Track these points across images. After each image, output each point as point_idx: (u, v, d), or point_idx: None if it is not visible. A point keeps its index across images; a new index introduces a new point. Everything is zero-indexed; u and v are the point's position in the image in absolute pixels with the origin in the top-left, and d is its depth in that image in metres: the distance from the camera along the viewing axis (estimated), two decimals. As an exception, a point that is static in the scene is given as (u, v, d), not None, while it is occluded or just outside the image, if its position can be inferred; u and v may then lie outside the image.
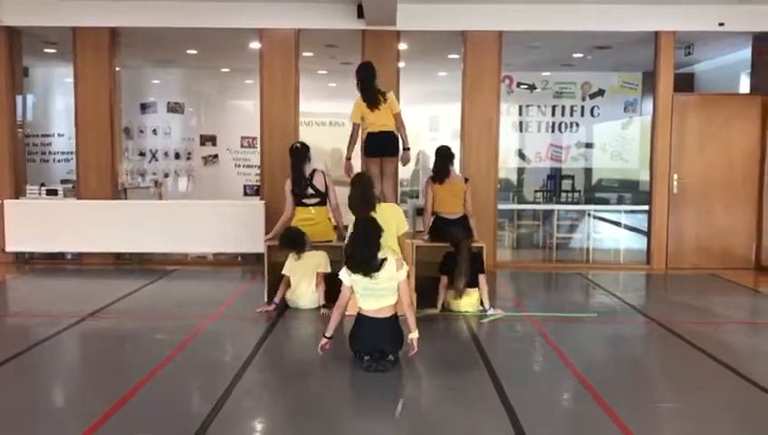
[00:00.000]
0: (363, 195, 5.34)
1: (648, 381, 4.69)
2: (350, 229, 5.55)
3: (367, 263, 4.53)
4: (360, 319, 4.68)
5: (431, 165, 7.05)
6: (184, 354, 4.88)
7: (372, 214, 5.10)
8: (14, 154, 8.66)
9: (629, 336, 5.79)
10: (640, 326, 6.02)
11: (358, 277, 4.58)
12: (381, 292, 4.60)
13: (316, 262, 6.21)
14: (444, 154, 6.87)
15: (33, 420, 3.78)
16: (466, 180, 6.92)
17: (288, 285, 6.25)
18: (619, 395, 4.15)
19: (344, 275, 4.67)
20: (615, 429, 3.61)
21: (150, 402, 3.96)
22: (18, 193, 8.64)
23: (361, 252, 4.56)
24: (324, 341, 4.70)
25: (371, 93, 6.66)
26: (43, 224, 8.45)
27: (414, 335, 4.66)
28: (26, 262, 8.62)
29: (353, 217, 5.10)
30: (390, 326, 4.64)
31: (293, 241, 6.22)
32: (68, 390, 4.46)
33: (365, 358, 4.54)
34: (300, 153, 6.60)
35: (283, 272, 6.27)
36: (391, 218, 5.69)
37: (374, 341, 4.59)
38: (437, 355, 4.95)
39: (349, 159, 6.88)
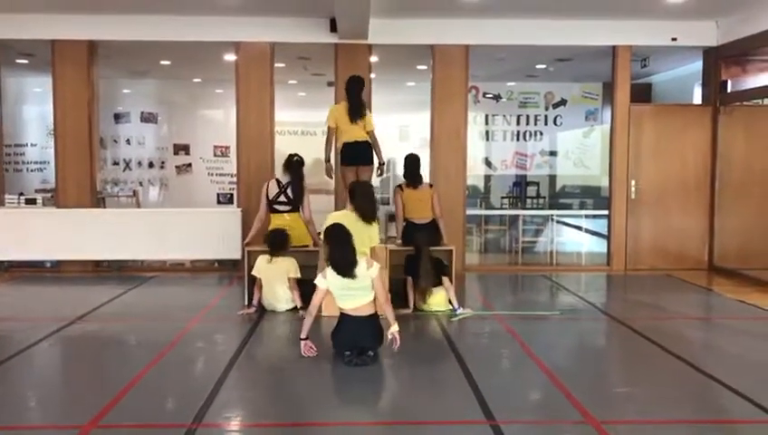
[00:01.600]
0: (370, 201, 6.02)
1: (605, 369, 5.13)
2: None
3: (348, 263, 4.87)
4: (342, 318, 5.00)
5: (400, 172, 7.43)
6: (174, 352, 5.17)
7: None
8: (-6, 164, 8.83)
9: (589, 331, 6.21)
10: (600, 322, 6.44)
11: (335, 280, 4.90)
12: (357, 291, 4.93)
13: (286, 267, 6.48)
14: (414, 161, 7.26)
15: (37, 415, 4.06)
16: (431, 186, 7.30)
17: (261, 287, 6.53)
18: (578, 381, 4.54)
19: (320, 280, 4.99)
20: (573, 409, 4.00)
21: (145, 397, 4.24)
22: (-3, 202, 8.81)
23: (342, 255, 4.91)
24: (303, 343, 5.02)
25: (356, 107, 7.06)
26: (22, 232, 8.60)
27: (394, 328, 4.99)
28: (5, 270, 8.76)
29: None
30: (371, 324, 4.97)
31: (278, 242, 6.50)
32: (65, 387, 4.71)
33: (346, 353, 4.86)
34: (297, 166, 6.95)
35: (252, 273, 6.55)
36: (365, 230, 6.02)
37: (355, 338, 4.91)
38: (412, 350, 5.28)
39: (328, 160, 7.27)
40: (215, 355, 5.28)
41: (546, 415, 4.03)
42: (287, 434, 3.74)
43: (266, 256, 6.53)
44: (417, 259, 6.51)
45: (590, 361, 5.36)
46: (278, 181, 7.00)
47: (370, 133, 7.17)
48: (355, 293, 4.93)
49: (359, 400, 4.40)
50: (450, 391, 4.42)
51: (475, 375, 4.62)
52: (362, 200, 5.99)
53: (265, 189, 6.97)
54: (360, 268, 4.93)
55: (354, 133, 7.04)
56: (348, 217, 5.80)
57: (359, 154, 7.08)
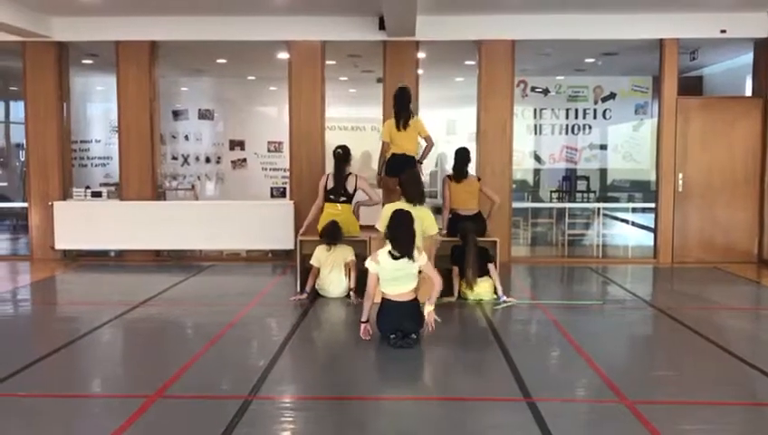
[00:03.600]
0: (417, 184, 6.23)
1: (643, 355, 5.29)
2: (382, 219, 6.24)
3: (410, 243, 5.18)
4: (384, 303, 5.28)
5: (448, 166, 7.65)
6: (231, 333, 5.53)
7: (414, 206, 5.91)
8: (63, 159, 9.36)
9: (631, 320, 6.32)
10: (641, 312, 6.55)
11: (387, 263, 5.17)
12: (403, 278, 5.20)
13: (344, 254, 6.84)
14: (463, 155, 7.51)
15: (108, 386, 4.45)
16: (479, 179, 7.53)
17: (316, 276, 6.87)
18: (616, 366, 4.71)
19: (370, 263, 5.28)
20: (608, 390, 4.18)
21: (206, 372, 4.60)
22: (66, 195, 9.33)
23: (405, 236, 5.20)
24: (363, 326, 5.32)
25: (402, 117, 7.25)
26: (88, 224, 9.13)
27: (429, 308, 5.23)
28: (73, 259, 9.30)
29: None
30: (411, 309, 5.23)
31: (331, 233, 6.85)
32: (131, 362, 5.11)
33: (391, 336, 5.12)
34: (341, 157, 7.25)
35: (311, 263, 6.90)
36: (423, 219, 6.24)
37: (397, 321, 5.17)
38: (455, 335, 5.55)
39: (380, 174, 7.49)
40: (269, 336, 5.61)
41: (582, 395, 4.23)
42: (336, 407, 4.02)
43: (325, 246, 6.86)
44: (464, 249, 6.73)
45: (628, 347, 5.51)
46: (334, 177, 7.30)
47: (428, 138, 7.37)
48: (401, 278, 5.20)
49: (403, 378, 4.67)
50: (491, 372, 4.65)
51: (515, 358, 4.82)
52: (407, 184, 6.26)
53: (324, 181, 7.29)
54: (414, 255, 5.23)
55: (404, 146, 7.26)
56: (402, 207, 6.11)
57: (404, 166, 7.28)
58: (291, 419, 3.80)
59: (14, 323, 6.26)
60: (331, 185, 7.25)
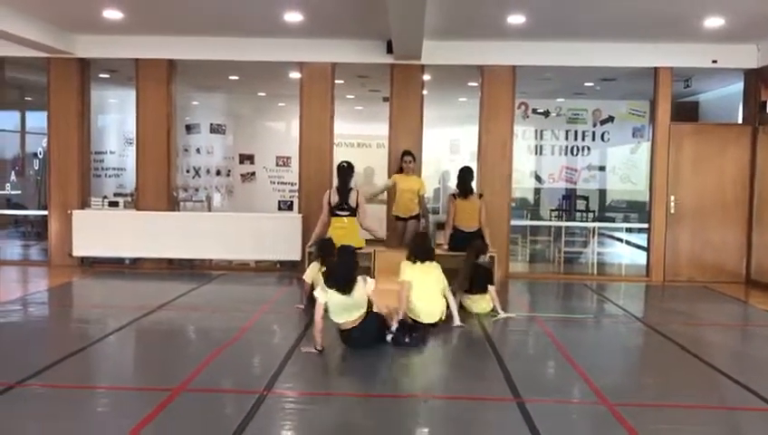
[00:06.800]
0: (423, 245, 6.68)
1: (629, 364, 5.70)
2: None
3: (346, 282, 5.44)
4: (344, 333, 5.56)
5: (450, 184, 8.11)
6: (243, 337, 5.93)
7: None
8: (82, 169, 9.80)
9: (618, 332, 6.71)
10: (629, 325, 6.93)
11: (334, 296, 5.44)
12: (352, 307, 5.48)
13: None
14: (467, 174, 8.03)
15: (134, 380, 4.84)
16: (481, 196, 7.98)
17: (309, 291, 7.13)
18: (600, 372, 5.08)
19: (320, 293, 5.50)
20: (591, 393, 4.58)
21: (223, 369, 5.01)
22: (84, 204, 9.77)
23: (344, 276, 5.49)
24: (315, 352, 5.43)
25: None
26: (105, 232, 9.57)
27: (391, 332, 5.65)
28: (90, 265, 9.71)
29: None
30: (369, 325, 5.52)
31: (325, 250, 7.17)
32: (154, 360, 5.47)
33: (388, 338, 5.56)
34: (346, 171, 7.72)
35: (304, 277, 7.20)
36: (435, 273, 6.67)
37: (362, 341, 5.51)
38: (454, 343, 5.93)
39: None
40: (279, 339, 6.03)
41: (567, 397, 4.61)
42: (342, 403, 4.41)
43: (317, 265, 7.12)
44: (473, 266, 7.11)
45: (615, 357, 5.89)
46: (338, 189, 7.71)
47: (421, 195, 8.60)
48: (350, 308, 5.47)
49: (402, 378, 5.07)
50: (486, 376, 5.04)
51: (509, 365, 5.21)
52: (413, 246, 6.72)
53: (327, 196, 7.70)
54: (359, 288, 5.49)
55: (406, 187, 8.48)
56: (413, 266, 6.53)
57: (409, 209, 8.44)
58: (302, 410, 4.19)
59: (39, 324, 6.67)
60: (335, 199, 7.66)
